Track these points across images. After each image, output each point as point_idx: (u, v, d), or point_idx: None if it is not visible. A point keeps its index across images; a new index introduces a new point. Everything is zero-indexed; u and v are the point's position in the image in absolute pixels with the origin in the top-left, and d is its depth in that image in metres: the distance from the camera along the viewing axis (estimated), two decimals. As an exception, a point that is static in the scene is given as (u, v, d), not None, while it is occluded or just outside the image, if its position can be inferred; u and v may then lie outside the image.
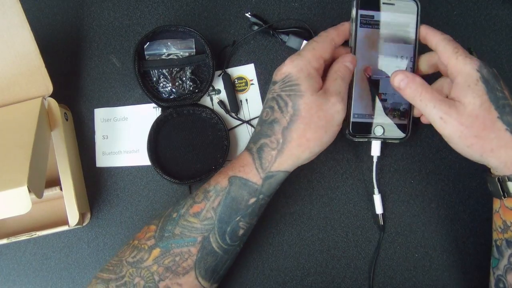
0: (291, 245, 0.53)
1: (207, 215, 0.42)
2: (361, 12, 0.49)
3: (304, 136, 0.42)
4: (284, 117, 0.42)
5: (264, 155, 0.43)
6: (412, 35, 0.50)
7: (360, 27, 0.49)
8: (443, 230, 0.53)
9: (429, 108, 0.42)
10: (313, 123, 0.42)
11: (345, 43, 0.50)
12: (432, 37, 0.46)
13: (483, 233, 0.53)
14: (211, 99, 0.55)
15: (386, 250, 0.53)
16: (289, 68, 0.43)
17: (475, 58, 0.43)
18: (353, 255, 0.53)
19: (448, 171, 0.54)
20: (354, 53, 0.50)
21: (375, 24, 0.49)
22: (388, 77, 0.50)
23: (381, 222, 0.53)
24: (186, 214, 0.43)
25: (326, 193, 0.54)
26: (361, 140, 0.52)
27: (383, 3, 0.50)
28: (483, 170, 0.54)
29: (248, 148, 0.44)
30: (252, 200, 0.43)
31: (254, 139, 0.44)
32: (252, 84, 0.56)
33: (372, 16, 0.49)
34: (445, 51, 0.44)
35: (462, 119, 0.41)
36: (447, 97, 0.44)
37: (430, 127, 0.54)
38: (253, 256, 0.53)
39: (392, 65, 0.50)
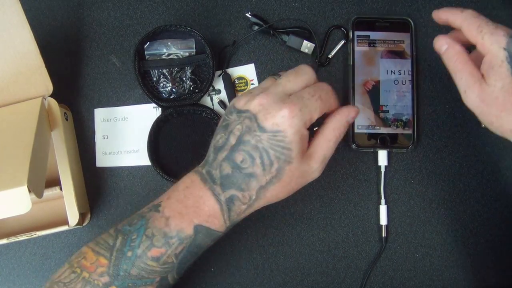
0: (291, 245, 0.53)
1: (168, 260, 0.41)
2: (357, 33, 0.52)
3: (276, 196, 0.42)
4: (265, 176, 0.40)
5: (234, 208, 0.41)
6: (408, 50, 0.52)
7: (357, 46, 0.52)
8: (443, 230, 0.53)
9: (457, 78, 0.41)
10: (290, 186, 0.41)
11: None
12: (454, 18, 0.42)
13: (483, 233, 0.53)
14: (211, 99, 0.55)
15: (386, 250, 0.53)
16: (286, 126, 0.39)
17: (502, 33, 0.39)
18: (353, 255, 0.53)
19: (448, 171, 0.54)
20: (353, 69, 0.51)
21: (372, 43, 0.52)
22: (387, 91, 0.52)
23: (384, 234, 0.52)
24: (144, 256, 0.41)
25: (326, 193, 0.54)
26: (367, 150, 0.52)
27: (378, 24, 0.53)
28: (483, 170, 0.54)
29: (214, 192, 0.40)
30: (213, 242, 0.43)
31: (223, 183, 0.40)
32: (253, 84, 0.56)
33: (368, 36, 0.52)
34: (470, 31, 0.41)
35: (483, 97, 0.40)
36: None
37: (430, 127, 0.55)
38: (253, 256, 0.53)
39: (390, 79, 0.52)
